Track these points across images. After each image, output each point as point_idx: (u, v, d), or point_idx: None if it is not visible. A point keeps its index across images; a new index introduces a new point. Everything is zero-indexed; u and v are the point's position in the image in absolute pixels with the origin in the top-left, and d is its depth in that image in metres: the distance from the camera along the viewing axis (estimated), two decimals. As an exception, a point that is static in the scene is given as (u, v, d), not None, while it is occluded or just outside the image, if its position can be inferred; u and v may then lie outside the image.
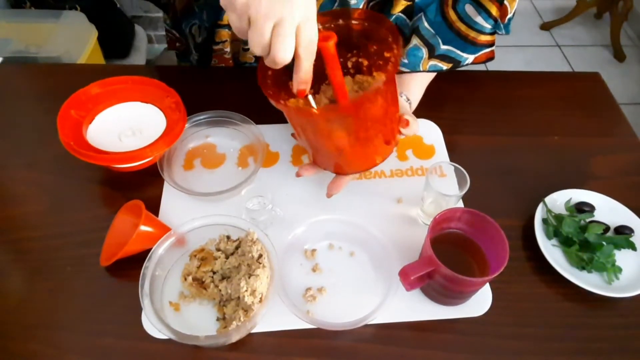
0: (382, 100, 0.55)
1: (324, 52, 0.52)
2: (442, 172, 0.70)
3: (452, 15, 0.68)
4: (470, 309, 0.58)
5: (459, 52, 0.70)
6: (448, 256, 0.51)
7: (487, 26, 0.68)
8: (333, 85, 0.56)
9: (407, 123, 0.61)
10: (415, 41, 0.70)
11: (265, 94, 0.53)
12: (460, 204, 0.67)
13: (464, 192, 0.60)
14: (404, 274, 0.53)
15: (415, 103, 0.74)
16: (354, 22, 0.58)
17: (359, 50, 0.62)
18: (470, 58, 0.71)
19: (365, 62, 0.63)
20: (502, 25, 0.70)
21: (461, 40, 0.69)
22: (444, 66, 0.70)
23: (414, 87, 0.72)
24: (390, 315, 0.57)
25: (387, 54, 0.59)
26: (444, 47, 0.69)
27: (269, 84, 0.55)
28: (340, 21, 0.58)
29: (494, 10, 0.67)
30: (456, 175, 0.63)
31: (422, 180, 0.64)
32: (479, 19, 0.68)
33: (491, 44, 0.71)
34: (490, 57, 0.72)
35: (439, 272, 0.52)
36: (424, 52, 0.70)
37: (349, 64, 0.64)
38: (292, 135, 0.66)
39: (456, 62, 0.70)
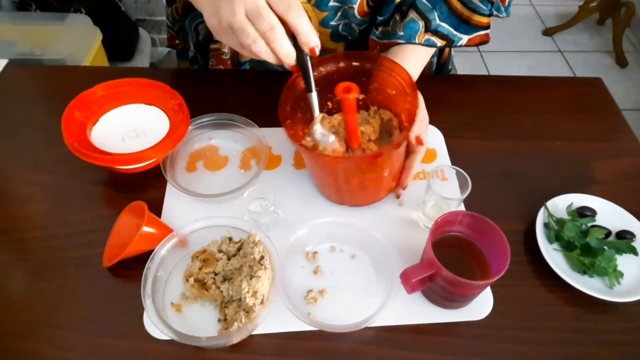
0: (397, 153, 0.59)
1: (345, 102, 0.56)
2: (444, 175, 0.70)
3: None
4: (471, 312, 0.58)
5: (452, 30, 0.70)
6: (449, 259, 0.52)
7: (484, 7, 0.69)
8: (347, 131, 0.60)
9: (421, 141, 0.63)
10: (412, 15, 0.70)
11: (287, 134, 0.56)
12: (462, 208, 0.67)
13: (465, 195, 0.60)
14: (405, 276, 0.53)
15: None
16: (367, 65, 0.62)
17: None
18: (464, 39, 0.71)
19: (361, 97, 0.66)
20: (502, 8, 0.71)
21: (456, 17, 0.69)
22: (439, 42, 0.70)
23: (412, 66, 0.71)
24: (391, 317, 0.57)
25: (390, 91, 0.62)
26: (439, 22, 0.70)
27: (289, 124, 0.59)
28: (354, 62, 0.62)
29: None
30: (458, 178, 0.64)
31: (424, 184, 0.64)
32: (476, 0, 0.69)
33: (486, 27, 0.71)
34: (484, 40, 0.73)
35: (440, 275, 0.52)
36: (421, 25, 0.70)
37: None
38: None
39: (450, 41, 0.71)
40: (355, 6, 0.71)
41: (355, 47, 0.81)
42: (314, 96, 0.55)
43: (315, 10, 0.72)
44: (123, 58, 1.79)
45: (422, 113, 0.67)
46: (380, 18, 0.73)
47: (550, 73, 2.34)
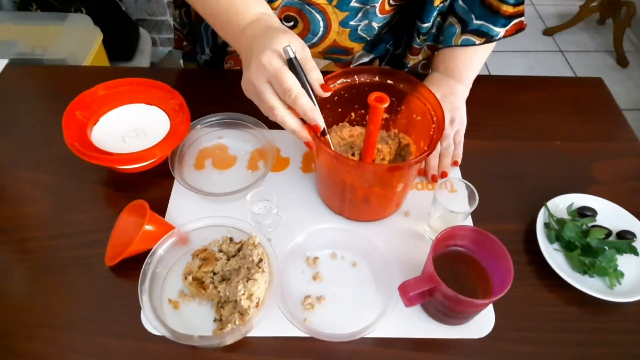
0: (412, 170, 0.60)
1: (374, 111, 0.55)
2: (453, 187, 0.68)
3: None
4: (472, 330, 0.56)
5: (491, 26, 0.72)
6: (451, 274, 0.50)
7: None
8: (366, 142, 0.60)
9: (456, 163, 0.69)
10: (450, 19, 0.75)
11: (309, 131, 0.56)
12: (469, 221, 0.66)
13: (472, 209, 0.59)
14: (404, 289, 0.52)
15: (467, 88, 0.77)
16: (400, 85, 0.63)
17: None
18: (502, 32, 0.73)
19: (385, 116, 0.67)
20: None
21: (492, 14, 0.72)
22: (477, 40, 0.73)
23: (452, 65, 0.76)
24: (388, 329, 0.55)
25: (416, 116, 0.63)
26: (476, 22, 0.72)
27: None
28: (405, 87, 0.63)
29: None
30: (467, 190, 0.61)
31: (431, 195, 0.63)
32: None
33: (521, 14, 0.73)
34: (519, 28, 0.74)
35: (439, 290, 0.51)
36: (457, 28, 0.74)
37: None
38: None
39: (489, 37, 0.73)
40: (377, 5, 0.72)
41: (373, 48, 0.82)
42: (329, 137, 0.57)
43: (336, 11, 0.72)
44: (123, 58, 1.79)
45: (462, 112, 0.74)
46: (424, 26, 0.75)
47: (551, 73, 2.34)
